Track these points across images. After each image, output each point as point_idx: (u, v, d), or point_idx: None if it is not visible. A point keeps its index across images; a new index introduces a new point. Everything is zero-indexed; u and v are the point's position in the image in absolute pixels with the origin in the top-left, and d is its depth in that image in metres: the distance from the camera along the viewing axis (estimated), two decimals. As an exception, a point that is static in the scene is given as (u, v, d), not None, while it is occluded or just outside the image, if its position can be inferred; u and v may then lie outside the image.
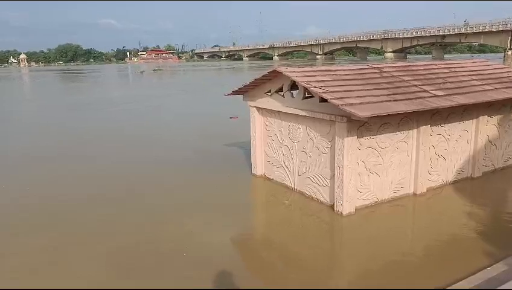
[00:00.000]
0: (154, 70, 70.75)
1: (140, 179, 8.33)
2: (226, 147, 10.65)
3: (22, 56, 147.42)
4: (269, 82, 7.22)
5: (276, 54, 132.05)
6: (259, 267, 4.94)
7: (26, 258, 5.14)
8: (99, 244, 5.47)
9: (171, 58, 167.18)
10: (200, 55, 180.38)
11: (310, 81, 6.10)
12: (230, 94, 8.07)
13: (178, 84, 41.46)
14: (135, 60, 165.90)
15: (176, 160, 9.73)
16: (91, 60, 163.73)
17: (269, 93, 7.29)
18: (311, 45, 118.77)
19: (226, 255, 5.16)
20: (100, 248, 5.37)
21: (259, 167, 8.12)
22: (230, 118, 15.00)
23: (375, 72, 7.17)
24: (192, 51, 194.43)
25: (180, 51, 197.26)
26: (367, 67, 7.46)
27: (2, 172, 9.28)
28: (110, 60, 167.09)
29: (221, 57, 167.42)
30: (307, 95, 6.51)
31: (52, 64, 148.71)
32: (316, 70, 6.79)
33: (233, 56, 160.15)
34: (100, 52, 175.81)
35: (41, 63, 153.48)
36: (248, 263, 5.11)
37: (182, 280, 4.56)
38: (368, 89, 6.27)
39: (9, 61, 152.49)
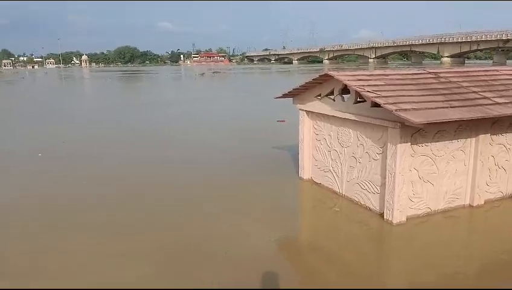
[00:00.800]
0: (213, 72, 72.66)
1: (188, 180, 8.52)
2: (273, 150, 10.69)
3: (84, 57, 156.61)
4: (320, 86, 7.18)
5: (326, 58, 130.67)
6: (304, 271, 4.92)
7: (84, 252, 5.45)
8: (145, 241, 5.67)
9: (222, 61, 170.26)
10: (250, 59, 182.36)
11: (362, 86, 5.99)
12: (279, 97, 8.11)
13: (231, 86, 42.21)
14: (188, 62, 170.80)
15: (223, 162, 9.89)
16: (147, 62, 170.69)
17: (319, 97, 7.25)
18: (363, 48, 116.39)
19: (269, 256, 5.18)
20: (147, 243, 5.59)
21: (306, 170, 8.09)
22: (278, 121, 15.02)
23: (432, 77, 6.91)
24: (243, 54, 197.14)
25: (231, 54, 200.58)
26: (423, 71, 7.20)
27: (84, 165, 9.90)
28: (164, 62, 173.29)
29: (270, 60, 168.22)
30: (358, 100, 6.40)
31: (111, 65, 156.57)
32: (369, 75, 6.66)
33: (283, 59, 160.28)
34: (156, 55, 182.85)
35: (101, 64, 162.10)
36: (293, 265, 5.10)
37: (219, 277, 4.64)
38: (423, 95, 6.06)
39: (72, 62, 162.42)
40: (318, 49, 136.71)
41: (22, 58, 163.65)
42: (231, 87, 41.21)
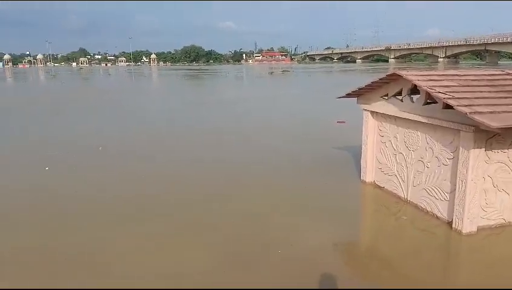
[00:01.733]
0: (282, 71, 73.50)
1: (247, 180, 8.59)
2: (333, 152, 10.49)
3: (153, 56, 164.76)
4: (387, 85, 6.92)
5: (392, 57, 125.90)
6: (362, 277, 4.78)
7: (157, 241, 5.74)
8: (201, 236, 5.83)
9: (284, 60, 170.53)
10: (312, 57, 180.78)
11: (433, 86, 5.68)
12: (342, 97, 7.94)
13: (296, 85, 42.14)
14: (250, 61, 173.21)
15: (282, 162, 9.83)
16: (211, 61, 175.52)
17: (386, 97, 6.99)
18: (433, 47, 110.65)
19: (326, 259, 5.09)
20: (202, 239, 5.74)
21: (369, 173, 7.84)
22: (338, 122, 14.70)
23: (511, 79, 6.38)
24: (304, 53, 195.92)
25: (292, 52, 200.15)
26: (501, 72, 6.68)
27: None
28: (227, 62, 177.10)
29: (333, 59, 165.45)
30: (428, 101, 6.08)
31: (177, 64, 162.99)
32: (441, 74, 6.30)
33: (346, 58, 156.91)
34: (219, 54, 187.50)
35: (168, 62, 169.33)
36: (350, 270, 4.97)
37: (269, 274, 4.64)
38: (501, 97, 5.61)
39: (142, 60, 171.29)
40: (384, 48, 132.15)
41: (97, 56, 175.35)
42: (296, 85, 41.14)
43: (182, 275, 4.70)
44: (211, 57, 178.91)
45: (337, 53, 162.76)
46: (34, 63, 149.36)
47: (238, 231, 5.94)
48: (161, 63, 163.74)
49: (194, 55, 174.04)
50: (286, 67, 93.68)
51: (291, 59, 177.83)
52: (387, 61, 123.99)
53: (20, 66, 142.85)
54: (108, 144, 11.86)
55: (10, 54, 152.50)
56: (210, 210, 6.78)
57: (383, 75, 6.76)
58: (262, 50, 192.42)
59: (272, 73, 70.74)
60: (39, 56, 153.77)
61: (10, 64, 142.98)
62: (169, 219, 6.42)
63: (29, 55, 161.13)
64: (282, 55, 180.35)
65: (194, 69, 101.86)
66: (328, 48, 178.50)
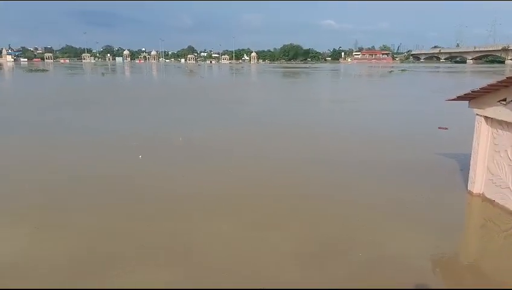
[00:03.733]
0: (401, 70, 71.25)
1: (342, 182, 8.46)
2: (436, 159, 9.77)
3: (253, 54, 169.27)
4: (505, 89, 6.25)
5: (509, 58, 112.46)
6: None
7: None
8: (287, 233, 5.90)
9: (385, 59, 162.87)
10: (417, 57, 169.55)
11: None
12: (453, 100, 7.36)
13: (397, 85, 40.19)
14: (349, 60, 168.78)
15: (383, 167, 9.44)
16: (308, 59, 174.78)
17: (504, 102, 6.32)
18: None
19: (419, 270, 4.81)
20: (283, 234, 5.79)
21: (477, 184, 7.17)
22: (439, 128, 13.60)
23: None
24: (408, 51, 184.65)
25: (395, 51, 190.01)
26: None
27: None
28: (325, 60, 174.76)
29: (439, 59, 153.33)
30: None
31: (276, 62, 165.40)
32: None
33: (455, 58, 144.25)
34: (317, 52, 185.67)
35: (267, 60, 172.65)
36: (446, 282, 4.63)
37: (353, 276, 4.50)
38: None
39: (243, 58, 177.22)
40: (500, 48, 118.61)
41: (202, 54, 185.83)
42: (398, 86, 39.17)
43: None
44: (308, 55, 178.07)
45: (444, 52, 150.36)
46: (148, 59, 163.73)
47: (331, 230, 5.91)
48: (260, 60, 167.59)
49: (292, 54, 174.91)
50: (387, 67, 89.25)
51: (393, 58, 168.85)
52: (503, 62, 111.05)
53: (137, 61, 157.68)
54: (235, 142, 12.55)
55: (129, 50, 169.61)
56: (311, 210, 6.83)
57: (501, 77, 6.12)
58: (362, 48, 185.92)
59: (370, 73, 68.06)
60: (153, 52, 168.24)
61: (129, 59, 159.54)
62: (250, 211, 6.63)
63: (144, 51, 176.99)
64: (383, 53, 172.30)
65: (291, 67, 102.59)
66: (435, 47, 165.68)
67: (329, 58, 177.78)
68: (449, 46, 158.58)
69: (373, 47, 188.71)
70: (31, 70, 66.62)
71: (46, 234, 5.75)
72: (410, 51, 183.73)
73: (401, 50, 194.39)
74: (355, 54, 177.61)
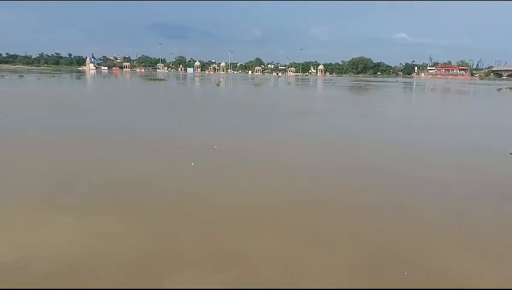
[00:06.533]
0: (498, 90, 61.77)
1: (418, 203, 7.79)
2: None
3: (320, 67, 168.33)
4: None
5: None
6: None
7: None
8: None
9: (462, 75, 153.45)
10: (498, 73, 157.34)
11: None
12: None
13: (473, 105, 37.45)
14: (422, 75, 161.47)
15: (452, 188, 8.60)
16: (378, 73, 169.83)
17: None
18: None
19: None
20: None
21: None
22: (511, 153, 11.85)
23: None
24: (489, 67, 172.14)
25: (474, 67, 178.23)
26: None
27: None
28: (396, 74, 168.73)
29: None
30: None
31: (343, 75, 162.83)
32: None
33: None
34: (388, 66, 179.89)
35: (334, 73, 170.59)
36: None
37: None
38: None
39: (310, 70, 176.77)
40: None
41: (269, 66, 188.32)
42: (475, 106, 36.45)
43: None
44: (378, 68, 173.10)
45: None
46: (217, 70, 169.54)
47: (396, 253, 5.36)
48: (327, 73, 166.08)
49: (361, 67, 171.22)
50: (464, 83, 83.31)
51: (472, 74, 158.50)
52: None
53: (207, 72, 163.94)
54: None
55: (200, 61, 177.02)
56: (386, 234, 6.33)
57: None
58: (437, 63, 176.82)
59: (448, 88, 64.04)
60: (222, 64, 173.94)
61: (199, 70, 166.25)
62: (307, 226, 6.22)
63: (214, 62, 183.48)
64: (460, 69, 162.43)
65: (363, 81, 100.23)
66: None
67: (401, 73, 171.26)
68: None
69: (449, 62, 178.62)
70: (151, 79, 67.59)
71: (100, 236, 5.82)
72: (491, 66, 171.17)
73: (480, 66, 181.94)
74: (430, 69, 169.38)
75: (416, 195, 8.00)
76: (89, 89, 48.06)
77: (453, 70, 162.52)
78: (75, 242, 5.50)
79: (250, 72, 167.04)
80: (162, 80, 67.51)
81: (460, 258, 5.36)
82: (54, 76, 72.18)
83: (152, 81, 61.99)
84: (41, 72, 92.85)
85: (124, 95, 38.09)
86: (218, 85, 54.34)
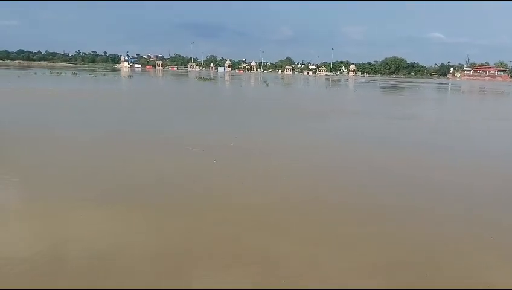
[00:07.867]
0: None
1: (444, 210, 7.72)
2: None
3: (352, 67, 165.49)
4: None
5: None
6: None
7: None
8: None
9: (501, 77, 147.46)
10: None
11: None
12: None
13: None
14: (458, 76, 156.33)
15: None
16: (412, 73, 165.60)
17: None
18: None
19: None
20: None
21: None
22: None
23: None
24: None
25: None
26: None
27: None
28: (431, 75, 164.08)
29: None
30: None
31: (375, 75, 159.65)
32: None
33: None
34: (422, 66, 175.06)
35: (366, 73, 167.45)
36: None
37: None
38: None
39: (341, 70, 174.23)
40: None
41: (300, 65, 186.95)
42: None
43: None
44: (412, 69, 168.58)
45: None
46: (248, 69, 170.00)
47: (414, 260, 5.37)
48: (359, 73, 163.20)
49: (394, 67, 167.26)
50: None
51: (511, 76, 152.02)
52: None
53: (237, 70, 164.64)
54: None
55: (230, 60, 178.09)
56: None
57: None
58: (474, 64, 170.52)
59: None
60: (253, 63, 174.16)
61: (229, 69, 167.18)
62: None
63: (244, 62, 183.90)
64: (499, 71, 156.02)
65: (397, 81, 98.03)
66: None
67: (435, 74, 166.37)
68: None
69: (487, 63, 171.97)
70: (202, 79, 68.84)
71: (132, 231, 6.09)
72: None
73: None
74: (466, 70, 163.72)
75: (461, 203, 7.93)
76: (144, 88, 49.10)
77: (491, 71, 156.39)
78: (107, 235, 5.69)
79: (280, 71, 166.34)
80: (211, 79, 68.06)
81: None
82: (94, 74, 70.11)
83: (201, 81, 62.51)
84: (77, 70, 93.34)
85: (182, 94, 38.74)
86: (267, 85, 54.01)
